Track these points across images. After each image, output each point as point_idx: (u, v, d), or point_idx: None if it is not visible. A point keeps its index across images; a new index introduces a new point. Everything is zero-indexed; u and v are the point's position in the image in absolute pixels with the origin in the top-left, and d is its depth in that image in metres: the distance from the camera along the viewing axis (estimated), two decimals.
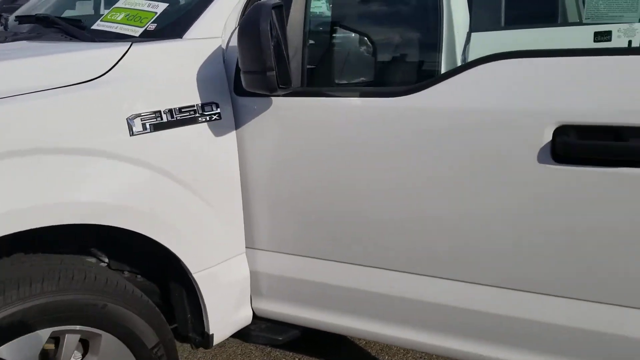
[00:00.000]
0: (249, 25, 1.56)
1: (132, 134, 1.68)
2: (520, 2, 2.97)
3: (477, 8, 2.85)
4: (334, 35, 2.28)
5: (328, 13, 3.10)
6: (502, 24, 2.80)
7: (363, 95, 1.74)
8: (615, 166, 1.46)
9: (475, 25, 2.83)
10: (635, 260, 1.51)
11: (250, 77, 1.62)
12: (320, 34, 2.24)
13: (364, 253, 1.85)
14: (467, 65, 1.61)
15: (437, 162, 1.65)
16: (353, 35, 2.33)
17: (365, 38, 2.32)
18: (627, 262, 1.52)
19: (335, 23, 2.28)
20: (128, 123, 1.68)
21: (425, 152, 1.66)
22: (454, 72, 1.63)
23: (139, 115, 1.69)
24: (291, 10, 1.82)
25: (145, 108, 1.71)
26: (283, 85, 1.65)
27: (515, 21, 2.93)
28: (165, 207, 1.77)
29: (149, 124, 1.71)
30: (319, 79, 2.17)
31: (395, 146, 1.69)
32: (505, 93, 1.56)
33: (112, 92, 1.68)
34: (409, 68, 2.74)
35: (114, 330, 1.76)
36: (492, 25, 2.88)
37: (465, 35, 2.86)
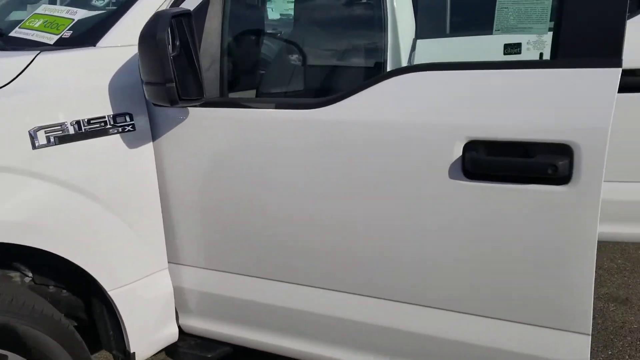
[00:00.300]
0: (146, 35, 1.49)
1: (34, 147, 1.61)
2: (466, 9, 2.93)
3: (423, 16, 2.82)
4: (264, 42, 2.21)
5: None
6: (448, 31, 2.76)
7: (278, 106, 1.68)
8: (524, 183, 1.41)
9: (421, 32, 2.79)
10: (545, 277, 1.46)
11: (151, 88, 1.56)
12: (249, 42, 2.18)
13: (283, 269, 1.79)
14: (379, 78, 1.55)
15: (351, 176, 1.60)
16: (284, 42, 2.27)
17: (295, 46, 2.27)
18: (537, 279, 1.47)
19: (264, 31, 2.21)
20: (30, 136, 1.61)
21: (339, 167, 1.60)
22: (366, 84, 1.57)
23: (42, 128, 1.62)
24: (207, 18, 1.75)
25: (50, 120, 1.63)
26: (188, 97, 1.59)
27: (461, 28, 2.89)
28: (74, 223, 1.70)
29: (54, 137, 1.64)
30: (246, 88, 2.11)
31: (309, 160, 1.64)
32: (416, 107, 1.51)
33: (13, 103, 1.60)
34: (354, 76, 2.70)
35: (21, 351, 1.69)
36: (437, 32, 2.84)
37: (411, 42, 2.83)
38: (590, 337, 1.47)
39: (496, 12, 1.44)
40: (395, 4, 2.68)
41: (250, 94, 2.63)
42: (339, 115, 1.58)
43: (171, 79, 1.49)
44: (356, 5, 2.73)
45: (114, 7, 1.98)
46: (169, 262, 1.97)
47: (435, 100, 1.48)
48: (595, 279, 3.54)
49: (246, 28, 2.12)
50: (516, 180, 1.42)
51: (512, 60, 1.41)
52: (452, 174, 1.47)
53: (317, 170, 1.63)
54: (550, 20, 1.43)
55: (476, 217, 1.47)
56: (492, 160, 1.41)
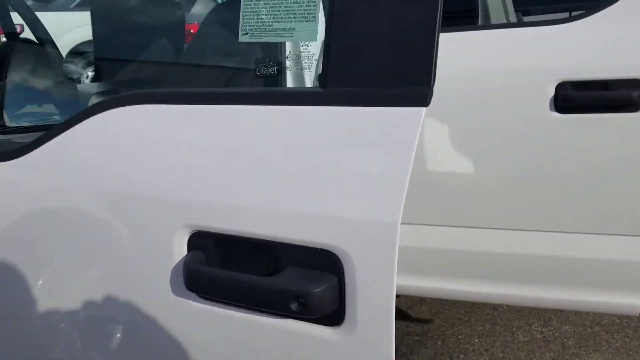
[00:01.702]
0: None
1: None
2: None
3: None
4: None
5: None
6: None
7: None
8: (274, 315, 0.77)
9: None
10: None
11: None
12: None
13: None
14: (80, 116, 0.93)
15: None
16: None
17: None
18: None
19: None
20: None
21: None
22: (65, 125, 0.95)
23: None
24: None
25: None
26: None
27: None
28: None
29: None
30: None
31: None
32: (119, 165, 0.88)
33: None
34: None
35: None
36: None
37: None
38: None
39: (242, 4, 0.80)
40: None
41: None
42: (21, 174, 0.97)
43: None
44: None
45: None
46: None
47: (156, 154, 0.85)
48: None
49: None
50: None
51: (255, 90, 0.78)
52: (174, 290, 0.84)
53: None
54: None
55: None
56: (213, 275, 0.78)
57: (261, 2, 0.80)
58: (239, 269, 0.78)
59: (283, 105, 0.75)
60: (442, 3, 0.67)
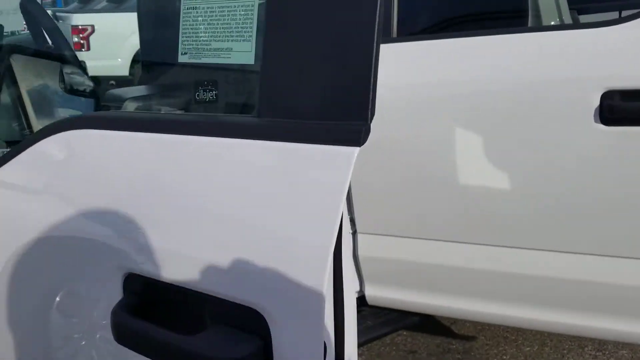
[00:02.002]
0: None
1: None
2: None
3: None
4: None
5: None
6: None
7: None
8: None
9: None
10: None
11: None
12: None
13: None
14: (29, 142, 0.87)
15: None
16: None
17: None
18: None
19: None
20: None
21: None
22: (21, 147, 0.90)
23: None
24: None
25: None
26: None
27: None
28: None
29: None
30: None
31: None
32: (56, 193, 0.82)
33: None
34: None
35: None
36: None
37: None
38: None
39: (181, 20, 0.72)
40: None
41: None
42: None
43: None
44: None
45: None
46: None
47: (78, 186, 0.78)
48: None
49: None
50: None
51: (193, 117, 0.69)
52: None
53: None
54: None
55: None
56: (135, 330, 0.70)
57: (199, 19, 0.72)
58: (167, 319, 0.70)
59: (216, 136, 0.66)
60: (380, 36, 0.58)
